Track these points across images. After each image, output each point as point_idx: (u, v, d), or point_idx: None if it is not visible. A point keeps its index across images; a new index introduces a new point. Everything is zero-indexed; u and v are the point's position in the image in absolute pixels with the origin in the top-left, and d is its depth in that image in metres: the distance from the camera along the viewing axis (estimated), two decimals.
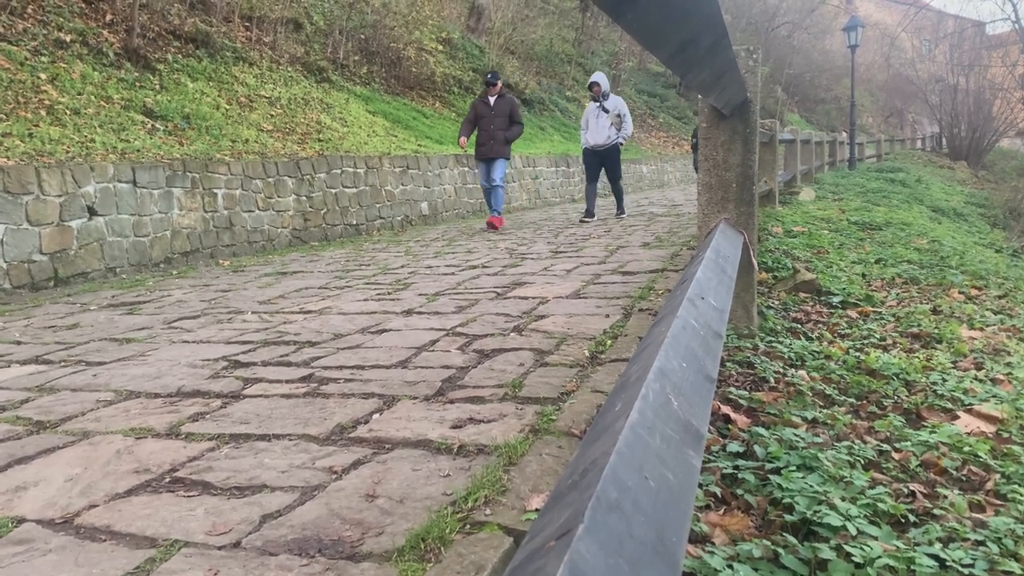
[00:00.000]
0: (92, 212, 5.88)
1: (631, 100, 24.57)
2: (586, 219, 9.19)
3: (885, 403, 2.70)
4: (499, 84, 8.78)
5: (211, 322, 3.92)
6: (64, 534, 1.60)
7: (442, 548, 1.44)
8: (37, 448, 2.11)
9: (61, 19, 7.81)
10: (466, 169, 11.65)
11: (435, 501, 1.64)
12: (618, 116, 9.26)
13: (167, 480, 1.84)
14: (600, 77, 9.41)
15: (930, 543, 1.65)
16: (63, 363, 3.15)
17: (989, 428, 2.43)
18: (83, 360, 3.18)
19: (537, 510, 1.56)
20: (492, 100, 8.70)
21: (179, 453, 2.01)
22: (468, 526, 1.52)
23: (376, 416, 2.22)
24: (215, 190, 7.14)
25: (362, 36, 13.05)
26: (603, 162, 9.39)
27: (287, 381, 2.67)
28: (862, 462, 2.09)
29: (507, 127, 8.62)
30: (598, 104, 9.27)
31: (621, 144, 9.35)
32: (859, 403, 2.71)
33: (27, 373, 3.01)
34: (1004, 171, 29.63)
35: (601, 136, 9.26)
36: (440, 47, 15.26)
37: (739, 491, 1.88)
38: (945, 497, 1.91)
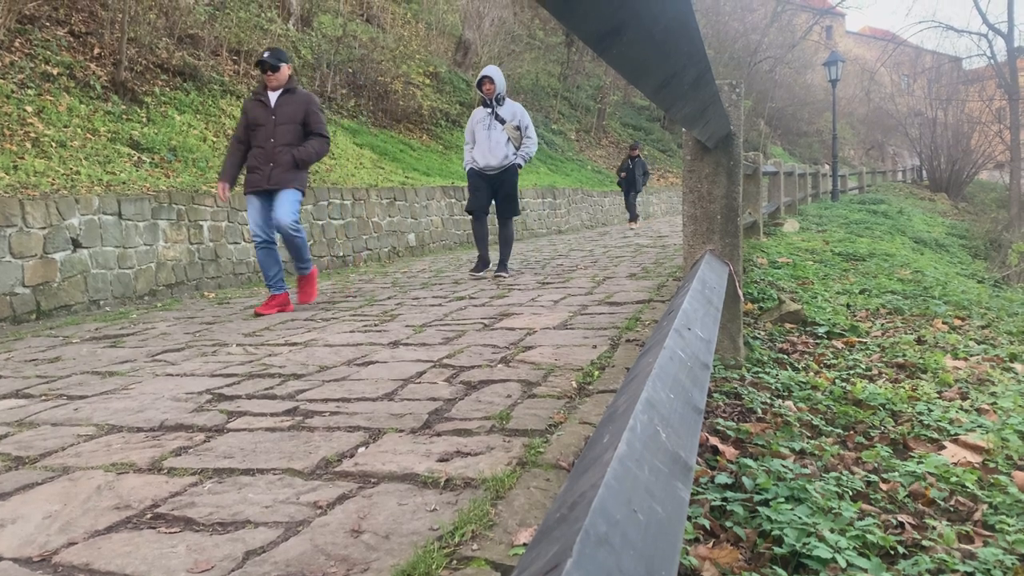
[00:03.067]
0: (76, 244, 5.85)
1: (616, 133, 24.84)
2: (478, 273, 6.88)
3: (872, 433, 2.71)
4: (284, 70, 5.32)
5: (195, 355, 3.89)
6: (42, 573, 1.57)
7: None
8: (15, 484, 2.07)
9: (48, 53, 7.83)
10: (453, 200, 11.70)
11: (421, 536, 1.62)
12: (516, 128, 6.73)
13: (148, 516, 1.81)
14: (495, 72, 6.71)
15: (920, 575, 1.64)
16: (44, 397, 3.11)
17: (975, 458, 2.44)
18: (64, 394, 3.14)
19: (525, 545, 1.55)
20: (274, 97, 5.34)
21: (161, 488, 1.98)
22: (455, 561, 1.50)
23: (362, 449, 2.20)
24: (201, 222, 7.13)
25: (350, 70, 13.17)
26: (495, 189, 6.79)
27: (272, 414, 2.64)
28: (850, 493, 2.09)
29: (298, 139, 5.33)
30: (490, 110, 6.71)
31: (519, 166, 6.81)
32: (846, 433, 2.71)
33: (7, 408, 2.96)
34: (984, 203, 30.12)
35: (495, 154, 6.66)
36: (427, 81, 15.41)
37: (728, 523, 1.87)
38: (934, 528, 1.91)
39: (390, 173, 11.39)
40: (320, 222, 8.82)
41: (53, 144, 6.66)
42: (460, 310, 4.94)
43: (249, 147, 5.40)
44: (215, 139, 8.91)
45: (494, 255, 7.73)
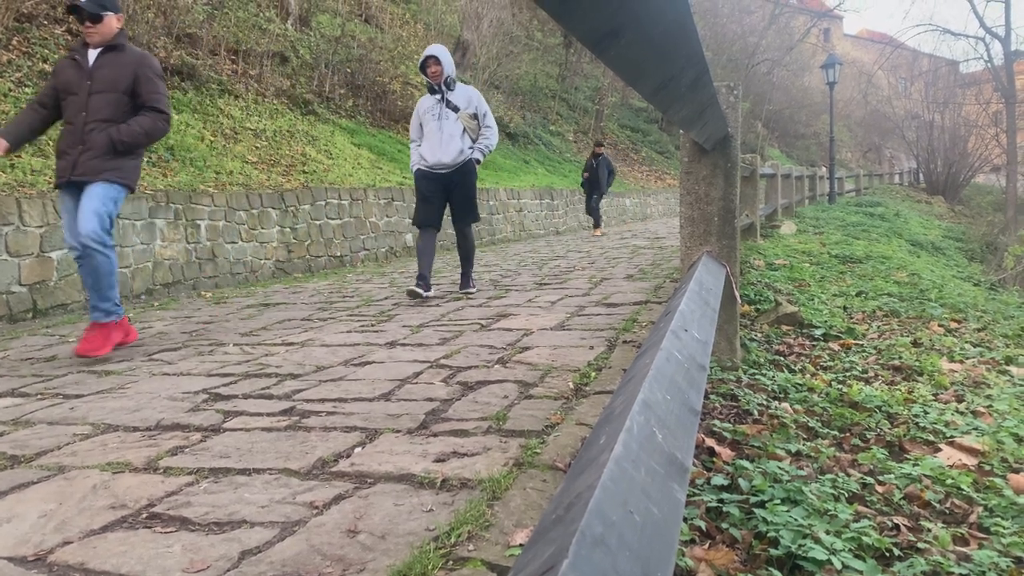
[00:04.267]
0: None
1: (614, 135, 24.85)
2: (418, 290, 5.44)
3: (868, 435, 2.71)
4: (111, 21, 3.98)
5: (192, 354, 3.88)
6: (37, 572, 1.56)
7: None
8: (10, 483, 2.06)
9: (46, 51, 7.82)
10: None
11: (417, 537, 1.62)
12: (473, 118, 5.66)
13: (144, 516, 1.81)
14: (441, 52, 5.60)
15: None
16: (40, 396, 3.10)
17: (971, 460, 2.44)
18: (60, 393, 3.13)
19: (521, 545, 1.55)
20: (93, 57, 4.02)
21: (157, 488, 1.98)
22: (451, 562, 1.50)
23: (358, 450, 2.20)
24: (198, 221, 7.11)
25: (348, 70, 13.16)
26: (449, 192, 5.64)
27: (268, 414, 2.64)
28: (846, 495, 2.09)
29: (121, 114, 3.99)
30: (439, 97, 5.63)
31: (478, 162, 5.71)
32: (842, 436, 2.71)
33: (3, 406, 2.96)
34: (980, 206, 30.19)
35: (448, 149, 5.53)
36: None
37: (724, 525, 1.87)
38: (929, 530, 1.91)
39: (388, 173, 11.38)
40: (318, 222, 8.81)
41: (50, 143, 6.65)
42: (457, 310, 4.94)
43: (53, 114, 4.12)
44: (213, 138, 8.90)
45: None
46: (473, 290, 5.83)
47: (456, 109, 5.60)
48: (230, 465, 2.13)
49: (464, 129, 5.60)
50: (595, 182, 13.52)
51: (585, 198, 14.03)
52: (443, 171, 5.60)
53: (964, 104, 34.01)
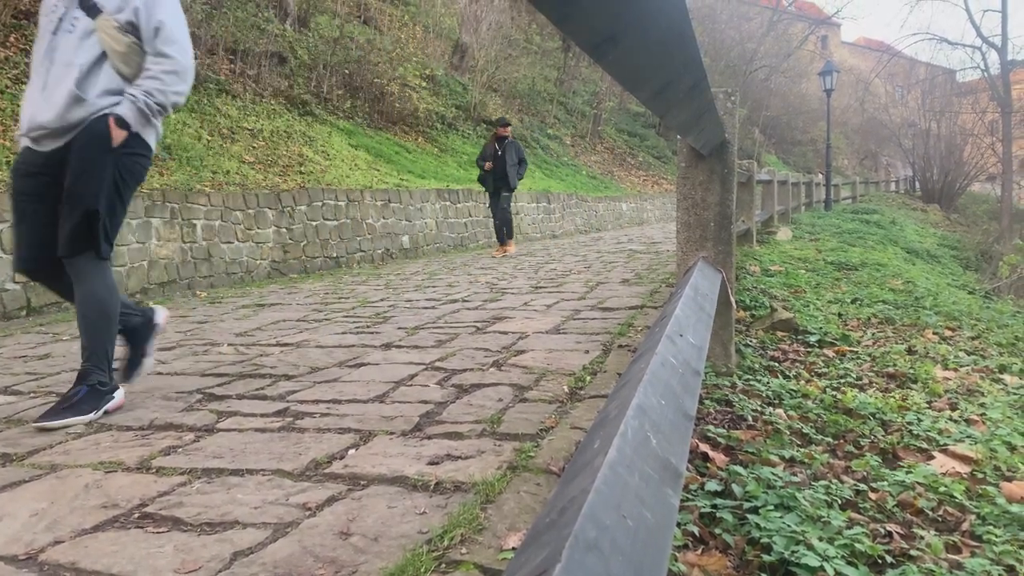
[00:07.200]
0: None
1: (611, 139, 24.86)
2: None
3: (862, 442, 2.71)
4: None
5: (186, 354, 3.87)
6: (28, 571, 1.56)
7: None
8: (2, 482, 2.05)
9: None
10: (448, 203, 11.72)
11: (410, 539, 1.62)
12: (128, 30, 2.63)
13: (136, 515, 1.80)
14: None
15: None
16: (33, 394, 3.09)
17: (964, 468, 2.45)
18: (53, 391, 3.12)
19: (514, 549, 1.54)
20: None
21: (149, 488, 1.97)
22: (444, 565, 1.49)
23: (352, 451, 2.19)
24: (194, 221, 7.10)
25: (346, 71, 13.16)
26: (61, 183, 2.63)
27: (262, 415, 2.63)
28: (839, 502, 2.09)
29: None
30: None
31: (124, 124, 2.61)
32: (836, 442, 2.71)
33: None
34: (976, 214, 30.25)
35: (53, 96, 2.61)
36: (424, 83, 15.41)
37: (717, 530, 1.87)
38: (921, 538, 1.91)
39: (385, 175, 11.38)
40: (314, 223, 8.81)
41: None
42: (453, 313, 4.94)
43: None
44: (210, 138, 8.89)
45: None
46: (91, 413, 2.63)
47: (95, 11, 2.66)
48: (223, 465, 2.12)
49: (103, 54, 2.66)
50: (500, 175, 9.53)
51: (489, 197, 9.99)
52: (43, 145, 2.72)
53: (960, 113, 34.13)
